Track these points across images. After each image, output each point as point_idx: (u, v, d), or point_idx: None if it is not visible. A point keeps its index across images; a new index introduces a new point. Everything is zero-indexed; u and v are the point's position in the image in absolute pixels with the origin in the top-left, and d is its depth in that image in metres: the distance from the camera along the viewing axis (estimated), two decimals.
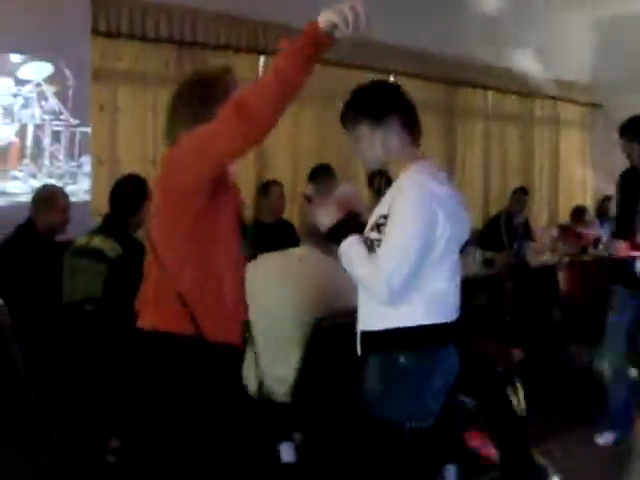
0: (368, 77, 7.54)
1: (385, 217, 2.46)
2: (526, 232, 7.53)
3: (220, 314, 2.34)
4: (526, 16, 8.75)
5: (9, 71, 5.29)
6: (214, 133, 2.22)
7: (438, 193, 2.44)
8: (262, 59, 6.92)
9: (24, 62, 5.34)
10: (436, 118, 8.61)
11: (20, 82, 5.33)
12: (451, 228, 2.45)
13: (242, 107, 2.13)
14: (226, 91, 2.43)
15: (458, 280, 2.61)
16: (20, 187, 5.36)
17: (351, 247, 2.48)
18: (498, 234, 7.41)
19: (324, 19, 2.19)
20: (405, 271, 2.37)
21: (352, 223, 2.56)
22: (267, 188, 5.80)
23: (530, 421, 3.99)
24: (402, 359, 2.46)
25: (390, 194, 2.53)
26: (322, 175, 5.51)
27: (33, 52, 5.38)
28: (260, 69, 6.92)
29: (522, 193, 7.86)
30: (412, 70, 8.04)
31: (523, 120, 9.84)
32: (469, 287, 5.50)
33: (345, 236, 2.50)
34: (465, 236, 2.63)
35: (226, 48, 6.58)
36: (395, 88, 2.69)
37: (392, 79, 7.99)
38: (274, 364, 3.39)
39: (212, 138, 2.23)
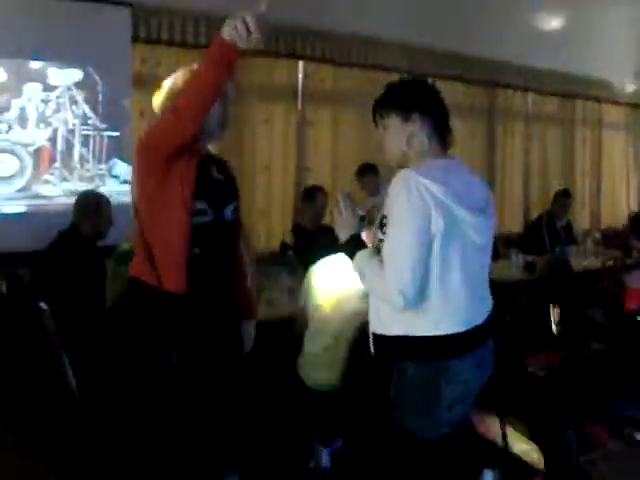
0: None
1: (385, 217, 2.45)
2: (568, 236, 7.44)
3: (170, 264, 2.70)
4: (567, 16, 8.65)
5: (40, 77, 5.38)
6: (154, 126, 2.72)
7: (430, 188, 2.34)
8: (301, 64, 6.93)
9: (55, 68, 5.43)
10: (476, 120, 8.57)
11: (51, 87, 5.43)
12: (451, 227, 2.37)
13: (175, 105, 2.60)
14: None
15: (478, 288, 2.55)
16: (52, 190, 5.47)
17: (361, 261, 2.48)
18: (540, 238, 7.32)
19: (225, 31, 2.50)
20: (413, 270, 2.33)
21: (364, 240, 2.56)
22: (313, 195, 5.73)
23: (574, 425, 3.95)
24: (410, 370, 2.46)
25: (388, 194, 2.49)
26: (368, 172, 5.74)
27: (66, 60, 5.49)
28: (299, 74, 6.94)
29: (565, 196, 7.75)
30: (451, 73, 8.00)
31: (564, 122, 9.73)
32: (510, 291, 5.53)
33: (357, 250, 2.51)
34: (483, 241, 2.50)
35: (265, 54, 6.60)
36: (431, 89, 2.66)
37: (430, 82, 7.98)
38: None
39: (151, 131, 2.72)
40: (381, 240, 2.45)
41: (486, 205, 2.54)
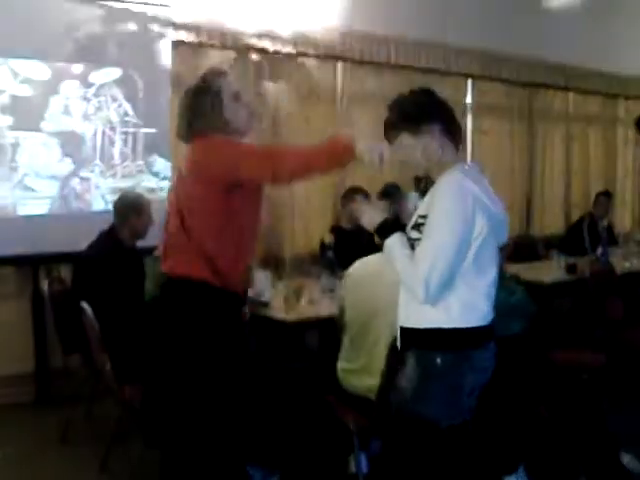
0: (445, 81, 7.64)
1: (424, 217, 2.50)
2: (610, 237, 7.35)
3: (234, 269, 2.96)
4: (607, 14, 8.57)
5: (82, 75, 5.46)
6: (247, 156, 2.86)
7: (475, 192, 2.46)
8: (340, 66, 6.93)
9: (96, 68, 5.50)
10: (516, 121, 8.50)
11: (90, 85, 5.49)
12: (490, 227, 2.48)
13: (279, 156, 2.86)
14: (217, 93, 2.96)
15: (495, 283, 2.62)
16: (94, 187, 5.56)
17: (395, 245, 2.53)
18: (581, 239, 7.26)
19: (359, 150, 2.73)
20: (442, 271, 2.41)
21: (398, 222, 2.63)
22: (353, 196, 5.73)
23: (616, 425, 3.90)
24: (439, 359, 2.51)
25: (430, 195, 2.57)
26: (392, 194, 5.59)
27: (107, 59, 5.55)
28: (339, 76, 6.94)
29: (606, 197, 7.67)
30: (491, 73, 7.96)
31: (606, 121, 9.62)
32: (552, 293, 5.48)
33: (391, 233, 2.55)
34: (504, 238, 2.63)
35: (305, 56, 6.62)
36: (432, 95, 2.71)
37: (469, 83, 7.96)
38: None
39: (243, 158, 2.84)
40: (416, 239, 2.51)
41: (502, 202, 2.65)
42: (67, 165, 5.41)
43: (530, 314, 4.27)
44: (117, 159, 5.65)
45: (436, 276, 2.40)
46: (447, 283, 2.44)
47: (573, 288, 5.66)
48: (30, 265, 5.35)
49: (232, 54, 6.27)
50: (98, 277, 4.19)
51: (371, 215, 2.64)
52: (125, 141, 5.67)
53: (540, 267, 6.35)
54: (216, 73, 3.10)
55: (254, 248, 3.24)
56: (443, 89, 7.62)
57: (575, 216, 8.47)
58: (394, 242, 2.53)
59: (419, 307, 2.51)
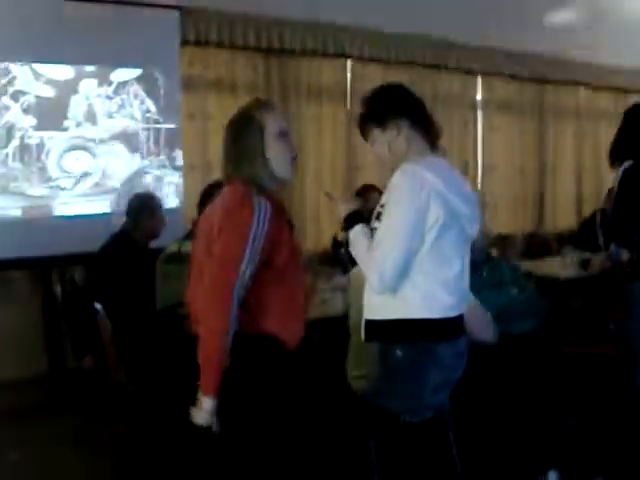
0: (455, 78, 7.61)
1: (383, 206, 2.52)
2: None
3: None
4: (618, 10, 8.54)
5: (104, 74, 5.55)
6: (217, 260, 2.44)
7: (431, 181, 2.42)
8: (349, 63, 6.93)
9: (117, 67, 5.59)
10: (527, 117, 8.48)
11: (112, 84, 5.58)
12: (450, 219, 2.45)
13: (220, 302, 2.39)
14: (261, 127, 2.59)
15: (463, 279, 2.60)
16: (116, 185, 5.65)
17: (356, 236, 2.55)
18: (594, 235, 7.21)
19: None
20: (395, 259, 2.42)
21: (365, 214, 2.63)
22: (365, 193, 5.68)
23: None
24: (399, 352, 2.51)
25: (388, 184, 2.56)
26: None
27: (125, 62, 5.60)
28: (348, 74, 6.94)
29: None
30: (500, 70, 7.94)
31: (617, 117, 9.52)
32: (565, 289, 5.45)
33: (355, 224, 2.57)
34: (472, 232, 2.60)
35: (313, 54, 6.62)
36: (400, 89, 2.69)
37: (480, 80, 7.94)
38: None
39: (216, 258, 2.44)
40: (374, 229, 2.53)
41: (475, 202, 2.62)
42: (99, 163, 5.55)
43: (542, 311, 4.25)
44: (139, 156, 5.75)
45: (390, 264, 2.41)
46: (402, 272, 2.44)
47: (586, 284, 5.63)
48: (43, 268, 5.37)
49: (241, 55, 6.30)
50: (111, 276, 4.21)
51: (339, 210, 2.66)
52: (148, 137, 5.75)
53: (553, 263, 6.32)
54: (262, 105, 2.72)
55: None
56: (453, 86, 7.69)
57: (587, 212, 8.42)
58: (356, 233, 2.55)
59: (380, 298, 2.52)
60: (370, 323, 2.61)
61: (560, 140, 8.87)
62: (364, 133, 2.70)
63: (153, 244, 4.50)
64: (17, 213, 5.23)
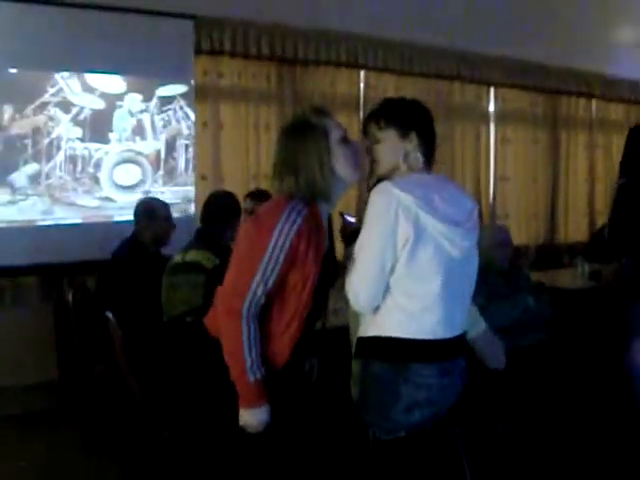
0: (468, 89, 7.61)
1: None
2: None
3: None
4: (629, 20, 8.53)
5: (150, 89, 5.74)
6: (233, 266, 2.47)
7: (403, 199, 2.40)
8: (362, 74, 6.95)
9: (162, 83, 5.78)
10: (539, 128, 8.46)
11: (158, 98, 5.77)
12: (420, 237, 2.42)
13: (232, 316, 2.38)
14: (325, 133, 2.50)
15: (454, 302, 2.55)
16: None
17: (348, 255, 2.57)
18: (604, 246, 7.19)
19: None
20: (368, 279, 2.44)
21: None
22: None
23: None
24: (374, 367, 2.53)
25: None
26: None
27: (139, 73, 5.64)
28: (361, 84, 6.95)
29: None
30: (513, 81, 7.93)
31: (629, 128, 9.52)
32: (576, 300, 5.44)
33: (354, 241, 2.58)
34: (457, 253, 2.50)
35: (326, 64, 6.64)
36: (427, 112, 2.69)
37: (492, 91, 7.94)
38: None
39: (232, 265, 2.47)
40: None
41: (466, 219, 2.56)
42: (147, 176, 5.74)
43: (551, 322, 4.26)
44: (174, 169, 5.88)
45: (363, 284, 2.44)
46: (377, 291, 2.46)
47: (598, 295, 5.62)
48: (54, 274, 5.40)
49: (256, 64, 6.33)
50: (122, 279, 4.24)
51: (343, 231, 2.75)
52: (180, 151, 5.91)
53: (564, 274, 6.32)
54: (320, 111, 2.60)
55: None
56: (465, 97, 7.70)
57: (599, 224, 8.40)
58: (349, 252, 2.58)
59: (367, 317, 2.56)
60: (359, 340, 2.62)
61: (572, 151, 8.84)
62: (373, 128, 2.64)
63: (166, 251, 4.51)
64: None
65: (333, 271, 2.68)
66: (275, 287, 2.41)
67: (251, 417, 2.42)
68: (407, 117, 2.62)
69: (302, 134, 2.50)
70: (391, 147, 2.60)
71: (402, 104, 2.68)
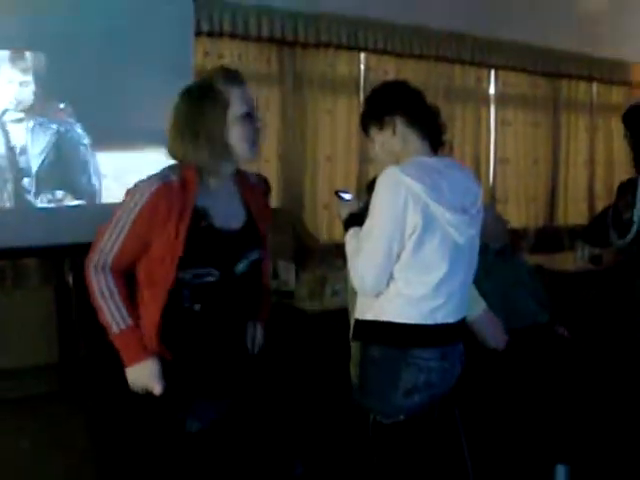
0: (468, 71, 7.59)
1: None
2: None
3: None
4: (630, 3, 8.51)
5: None
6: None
7: (411, 186, 2.38)
8: (362, 56, 6.93)
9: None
10: (539, 111, 8.45)
11: None
12: (428, 224, 2.42)
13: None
14: (225, 104, 2.32)
15: (456, 288, 2.55)
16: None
17: (349, 238, 2.58)
18: (605, 230, 7.19)
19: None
20: (375, 265, 2.44)
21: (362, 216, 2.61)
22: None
23: None
24: (374, 351, 2.53)
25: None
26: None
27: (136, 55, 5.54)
28: (361, 66, 6.93)
29: None
30: (514, 64, 7.91)
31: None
32: (576, 283, 5.44)
33: (353, 226, 2.59)
34: (463, 239, 2.49)
35: (327, 46, 6.62)
36: (400, 87, 2.67)
37: (493, 74, 7.92)
38: None
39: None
40: None
41: (473, 205, 2.56)
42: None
43: (544, 301, 4.28)
44: None
45: (370, 269, 2.44)
46: (383, 276, 2.45)
47: (597, 279, 5.63)
48: (55, 256, 5.40)
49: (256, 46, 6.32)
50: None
51: (340, 211, 2.70)
52: None
53: (564, 257, 6.32)
54: (231, 77, 2.38)
55: None
56: (466, 79, 7.68)
57: (599, 207, 8.40)
58: (349, 236, 2.59)
59: (364, 299, 2.56)
60: (357, 323, 2.63)
61: (573, 135, 8.84)
62: (365, 131, 2.69)
63: None
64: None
65: (242, 246, 2.48)
66: (137, 257, 2.42)
67: (131, 374, 2.39)
68: (375, 107, 2.62)
69: (200, 100, 2.32)
70: (377, 142, 2.63)
71: (371, 97, 2.69)
